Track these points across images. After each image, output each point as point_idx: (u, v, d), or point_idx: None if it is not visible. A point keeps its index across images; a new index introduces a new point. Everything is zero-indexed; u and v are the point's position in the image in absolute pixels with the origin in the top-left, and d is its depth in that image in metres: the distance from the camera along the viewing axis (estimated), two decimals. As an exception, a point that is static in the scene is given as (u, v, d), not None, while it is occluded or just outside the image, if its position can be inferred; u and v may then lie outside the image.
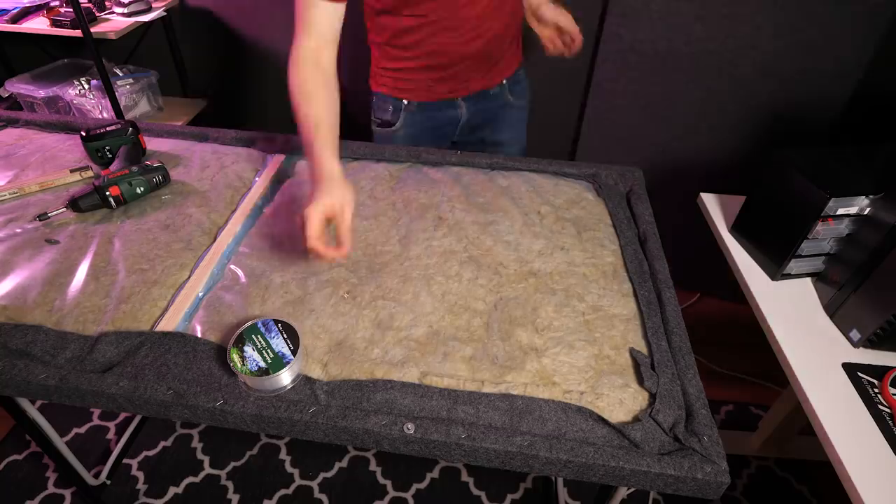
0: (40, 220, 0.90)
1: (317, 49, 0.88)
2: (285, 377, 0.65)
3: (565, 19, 1.05)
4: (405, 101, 1.10)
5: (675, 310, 0.77)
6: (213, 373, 0.68)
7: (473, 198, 0.98)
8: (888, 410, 0.74)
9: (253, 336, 0.68)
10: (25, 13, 1.72)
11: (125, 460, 1.41)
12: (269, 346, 0.66)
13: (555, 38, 1.08)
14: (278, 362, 0.65)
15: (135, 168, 0.95)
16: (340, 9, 0.88)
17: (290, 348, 0.66)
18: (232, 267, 0.84)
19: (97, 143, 1.01)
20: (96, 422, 1.51)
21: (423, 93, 1.09)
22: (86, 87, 1.83)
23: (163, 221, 0.92)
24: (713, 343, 1.74)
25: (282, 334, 0.68)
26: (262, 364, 0.64)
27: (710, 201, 1.12)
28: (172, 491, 1.35)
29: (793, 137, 1.49)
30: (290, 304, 0.77)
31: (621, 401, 0.66)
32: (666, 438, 0.63)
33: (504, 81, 1.13)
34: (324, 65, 0.89)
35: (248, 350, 0.66)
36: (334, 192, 0.78)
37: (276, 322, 0.69)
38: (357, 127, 1.21)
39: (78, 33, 1.60)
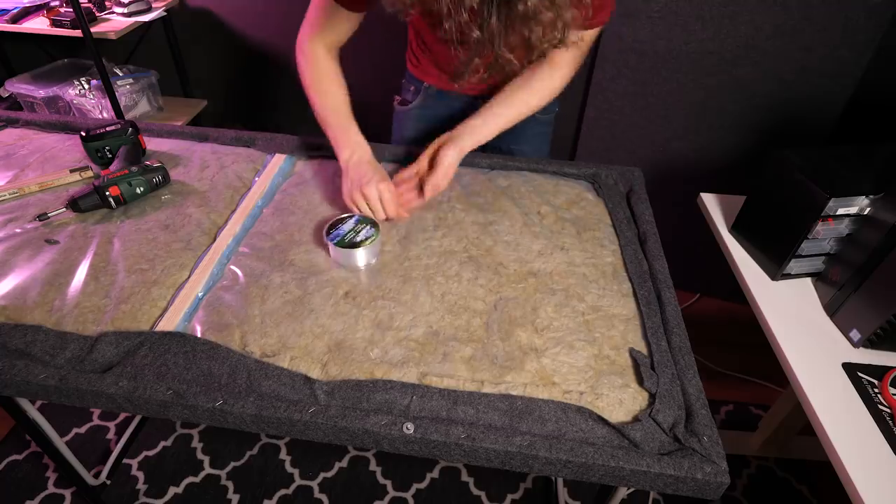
0: (40, 221, 0.90)
1: (329, 46, 0.94)
2: (360, 256, 0.82)
3: (443, 171, 0.90)
4: (426, 84, 1.12)
5: (674, 310, 0.77)
6: (213, 373, 0.68)
7: (473, 198, 0.98)
8: (888, 410, 0.73)
9: (349, 220, 0.85)
10: (25, 13, 1.72)
11: (125, 460, 1.41)
12: (357, 233, 0.84)
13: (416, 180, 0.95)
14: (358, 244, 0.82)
15: (135, 168, 0.95)
16: (359, 18, 0.91)
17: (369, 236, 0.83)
18: (231, 267, 0.84)
19: (97, 143, 1.01)
20: (96, 422, 1.51)
21: (443, 82, 1.10)
22: (86, 87, 1.83)
23: (163, 221, 0.92)
24: (713, 343, 1.74)
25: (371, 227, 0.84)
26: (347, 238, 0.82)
27: (710, 201, 1.12)
28: (172, 491, 1.35)
29: (793, 137, 1.49)
30: (289, 303, 0.77)
31: (621, 401, 0.66)
32: (666, 438, 0.63)
33: None
34: (335, 57, 0.96)
35: (342, 228, 0.84)
36: (383, 173, 0.89)
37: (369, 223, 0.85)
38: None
39: (78, 33, 1.60)
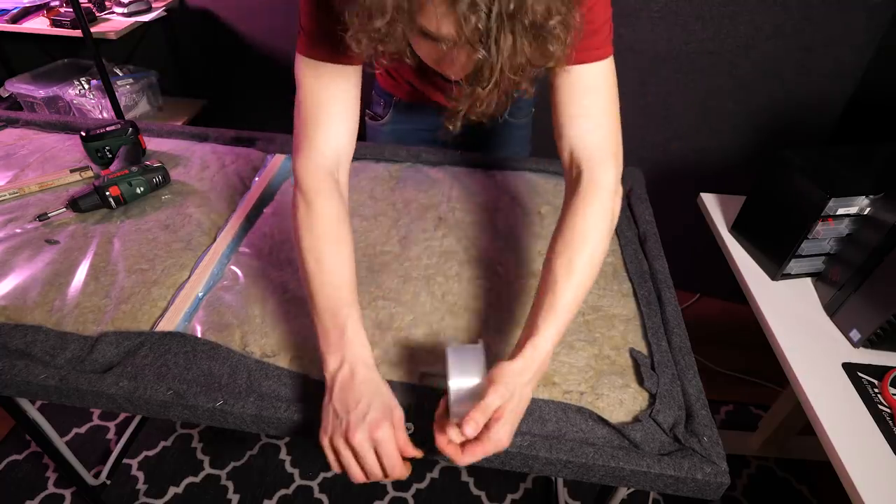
0: (40, 221, 0.90)
1: (335, 160, 0.70)
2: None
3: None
4: (396, 98, 1.08)
5: (675, 310, 0.77)
6: (213, 373, 0.67)
7: (473, 198, 0.98)
8: (888, 410, 0.74)
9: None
10: (25, 13, 1.72)
11: (125, 460, 1.41)
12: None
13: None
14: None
15: (135, 168, 0.95)
16: (357, 72, 0.68)
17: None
18: (232, 267, 0.84)
19: (97, 143, 1.01)
20: (96, 422, 1.51)
21: (414, 96, 1.07)
22: (86, 87, 1.83)
23: (163, 221, 0.92)
24: (713, 343, 1.74)
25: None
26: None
27: (710, 201, 1.12)
28: (172, 491, 1.35)
29: (793, 137, 1.49)
30: (289, 303, 0.77)
31: (621, 401, 0.66)
32: (666, 439, 0.63)
33: None
34: (342, 188, 0.70)
35: None
36: (384, 397, 0.58)
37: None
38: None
39: (78, 33, 1.60)
